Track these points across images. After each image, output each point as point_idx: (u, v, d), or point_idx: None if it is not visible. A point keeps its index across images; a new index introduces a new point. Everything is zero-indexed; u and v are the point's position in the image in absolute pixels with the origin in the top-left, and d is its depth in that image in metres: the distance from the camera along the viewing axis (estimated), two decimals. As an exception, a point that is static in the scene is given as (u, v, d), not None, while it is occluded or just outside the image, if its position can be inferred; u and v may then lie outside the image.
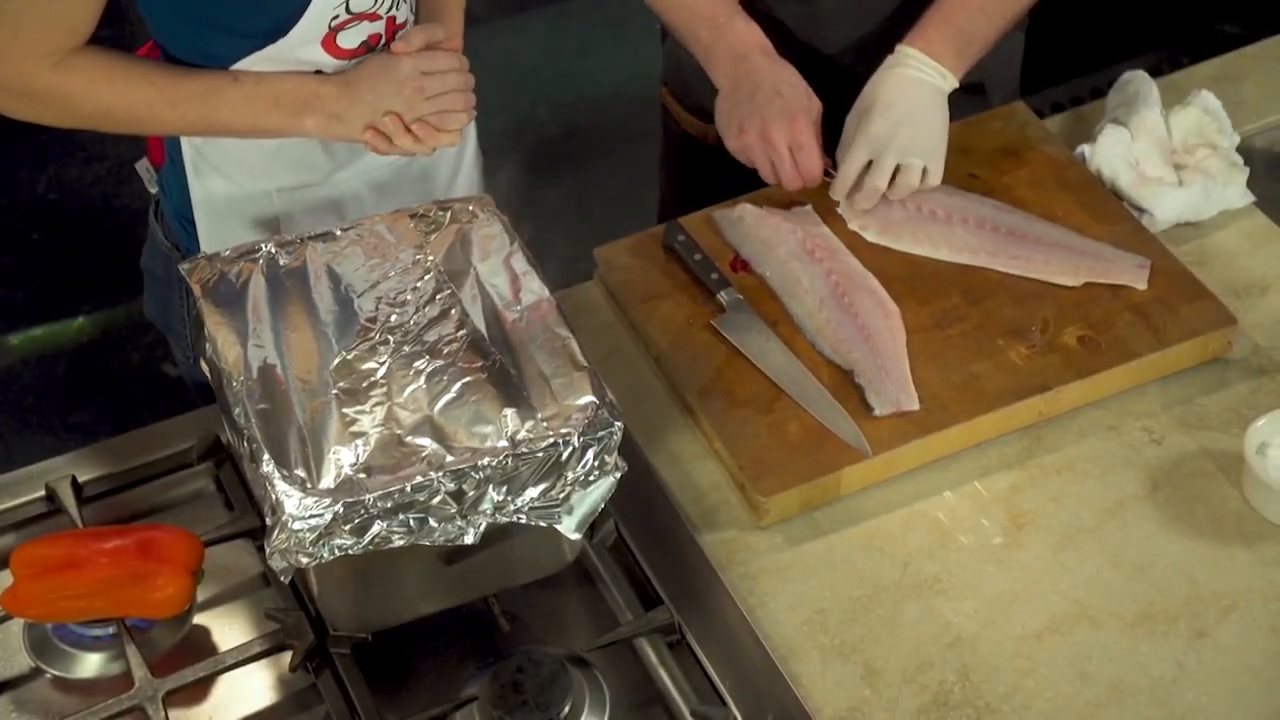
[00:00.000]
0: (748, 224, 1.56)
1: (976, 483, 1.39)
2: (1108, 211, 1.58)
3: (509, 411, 1.19)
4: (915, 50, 1.55)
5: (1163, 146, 1.60)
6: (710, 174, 1.67)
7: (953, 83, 1.55)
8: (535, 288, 1.28)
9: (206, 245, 1.50)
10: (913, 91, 1.53)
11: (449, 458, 1.16)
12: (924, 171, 1.53)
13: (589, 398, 1.19)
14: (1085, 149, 1.59)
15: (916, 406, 1.39)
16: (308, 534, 1.12)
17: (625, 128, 2.73)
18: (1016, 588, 1.32)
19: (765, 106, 1.51)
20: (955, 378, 1.42)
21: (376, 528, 1.14)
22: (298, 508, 1.12)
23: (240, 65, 1.39)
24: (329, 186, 1.51)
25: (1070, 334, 1.46)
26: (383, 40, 1.44)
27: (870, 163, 1.53)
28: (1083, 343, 1.45)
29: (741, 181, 1.60)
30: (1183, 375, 1.47)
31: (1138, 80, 1.65)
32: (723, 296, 1.48)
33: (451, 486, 1.15)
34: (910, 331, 1.46)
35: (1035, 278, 1.49)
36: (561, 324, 1.25)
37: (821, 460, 1.37)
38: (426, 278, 1.27)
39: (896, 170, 1.53)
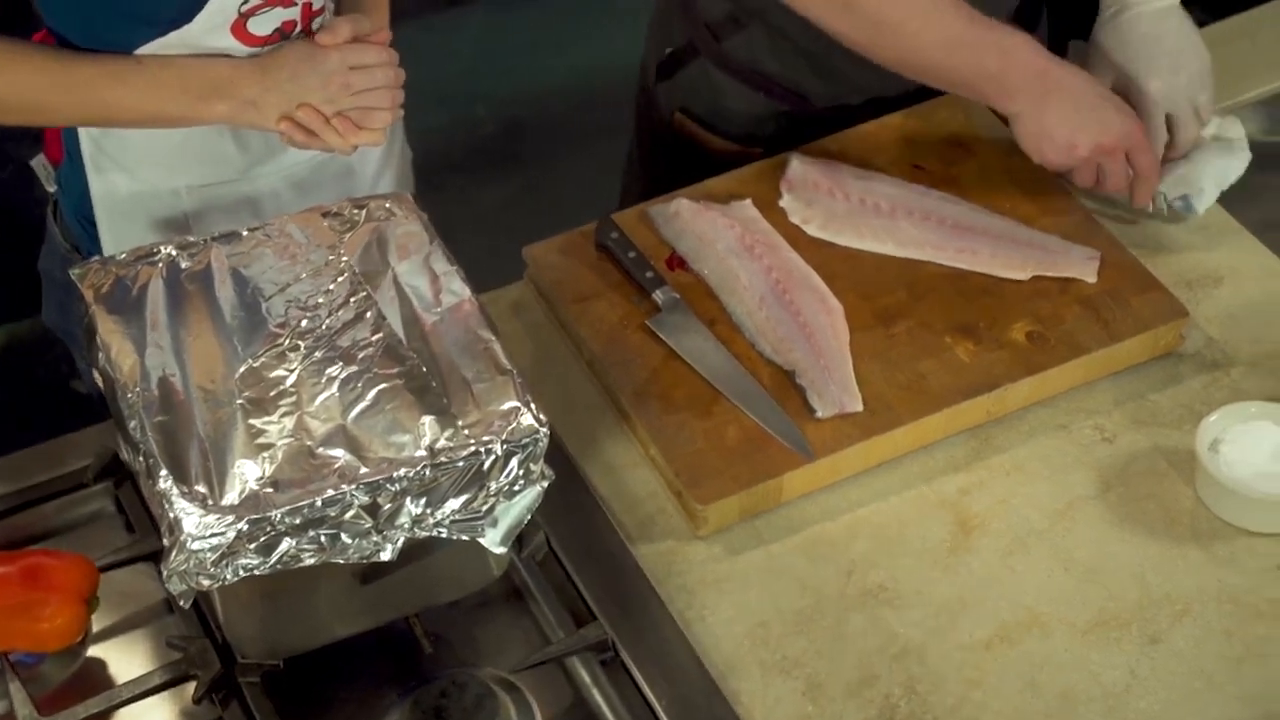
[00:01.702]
0: (684, 219, 1.54)
1: (923, 486, 1.38)
2: (1056, 203, 1.57)
3: (427, 419, 1.16)
4: None
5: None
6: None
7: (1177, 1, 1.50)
8: (456, 289, 1.25)
9: (109, 247, 1.46)
10: (1156, 27, 1.48)
11: (363, 469, 1.13)
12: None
13: (512, 403, 1.17)
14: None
15: (860, 408, 1.38)
16: (209, 554, 1.09)
17: (568, 125, 2.71)
18: (965, 594, 1.31)
19: (1093, 119, 1.46)
20: (900, 377, 1.41)
21: (285, 546, 1.12)
22: (197, 526, 1.08)
23: (141, 53, 1.35)
24: (244, 183, 1.47)
25: (1018, 330, 1.45)
26: (298, 27, 1.41)
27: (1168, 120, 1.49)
28: (1031, 339, 1.45)
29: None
30: (1134, 371, 1.47)
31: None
32: (658, 295, 1.46)
33: (366, 500, 1.13)
34: (853, 329, 1.44)
35: (982, 271, 1.48)
36: (484, 326, 1.23)
37: (762, 465, 1.35)
38: (340, 279, 1.25)
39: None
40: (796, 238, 1.52)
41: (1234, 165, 1.56)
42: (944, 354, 1.43)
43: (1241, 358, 1.48)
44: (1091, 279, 1.46)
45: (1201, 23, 1.62)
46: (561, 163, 2.60)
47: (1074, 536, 1.35)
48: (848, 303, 1.46)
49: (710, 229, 1.52)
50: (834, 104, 1.66)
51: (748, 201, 1.56)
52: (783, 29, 1.62)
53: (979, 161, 1.60)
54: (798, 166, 1.57)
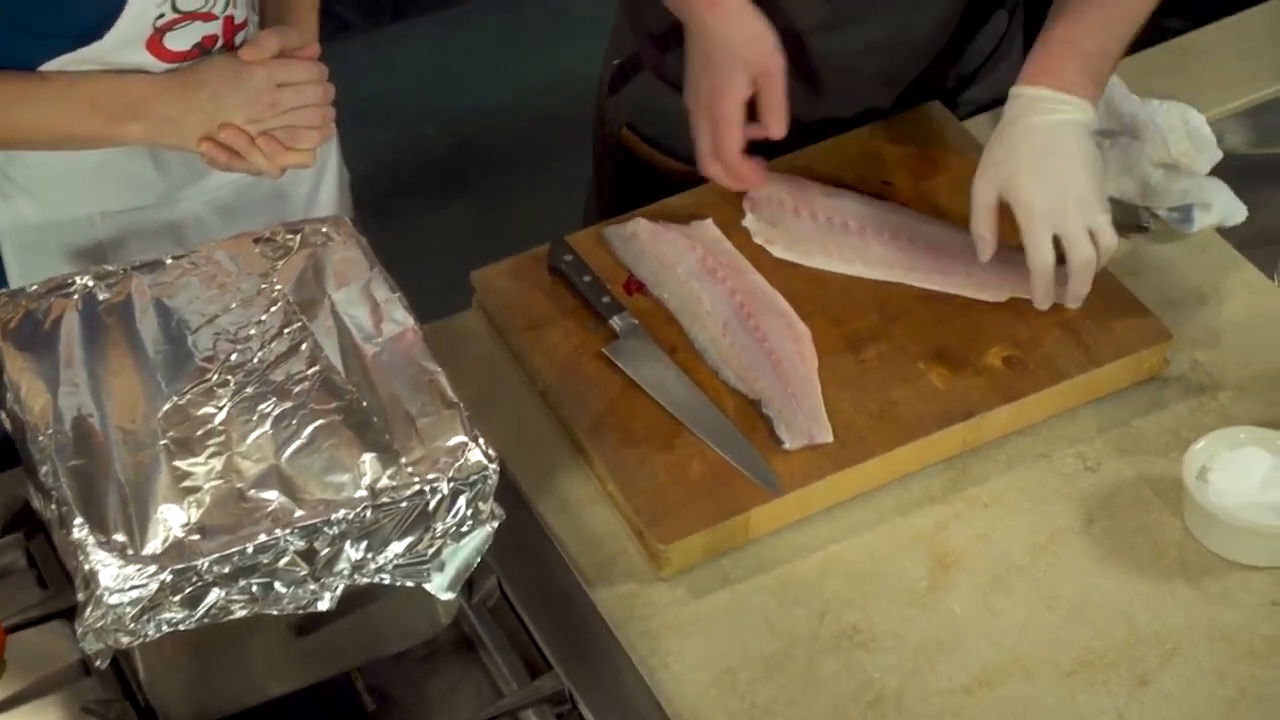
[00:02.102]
0: (642, 241, 1.51)
1: (898, 520, 1.36)
2: None
3: (368, 457, 1.13)
4: (1043, 89, 1.41)
5: (1162, 140, 1.58)
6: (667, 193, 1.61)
7: (1092, 115, 1.42)
8: (399, 317, 1.22)
9: (16, 279, 1.42)
10: (1058, 139, 1.40)
11: (298, 512, 1.10)
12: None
13: (459, 437, 1.14)
14: None
15: (830, 438, 1.36)
16: (129, 609, 1.05)
17: (522, 144, 2.69)
18: (943, 636, 1.29)
19: (716, 64, 1.42)
20: (872, 405, 1.39)
21: (213, 597, 1.07)
22: (116, 578, 1.04)
23: (47, 70, 1.31)
24: (164, 209, 1.43)
25: (995, 354, 1.43)
26: (220, 42, 1.36)
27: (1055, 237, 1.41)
28: (1008, 363, 1.42)
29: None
30: (1117, 396, 1.45)
31: None
32: (615, 322, 1.44)
33: (301, 545, 1.09)
34: (822, 355, 1.42)
35: (956, 293, 1.46)
36: (429, 357, 1.20)
37: (727, 501, 1.33)
38: (273, 309, 1.22)
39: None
40: (761, 259, 1.51)
41: (1239, 209, 1.56)
42: (917, 380, 1.41)
43: (1229, 381, 1.46)
44: (1071, 303, 1.43)
45: (1180, 30, 1.60)
46: (515, 184, 2.59)
47: (1057, 572, 1.33)
48: (816, 327, 1.45)
49: (670, 251, 1.50)
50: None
51: (709, 221, 1.54)
52: None
53: (950, 176, 1.58)
54: (768, 185, 1.55)
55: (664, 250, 1.50)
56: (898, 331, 1.44)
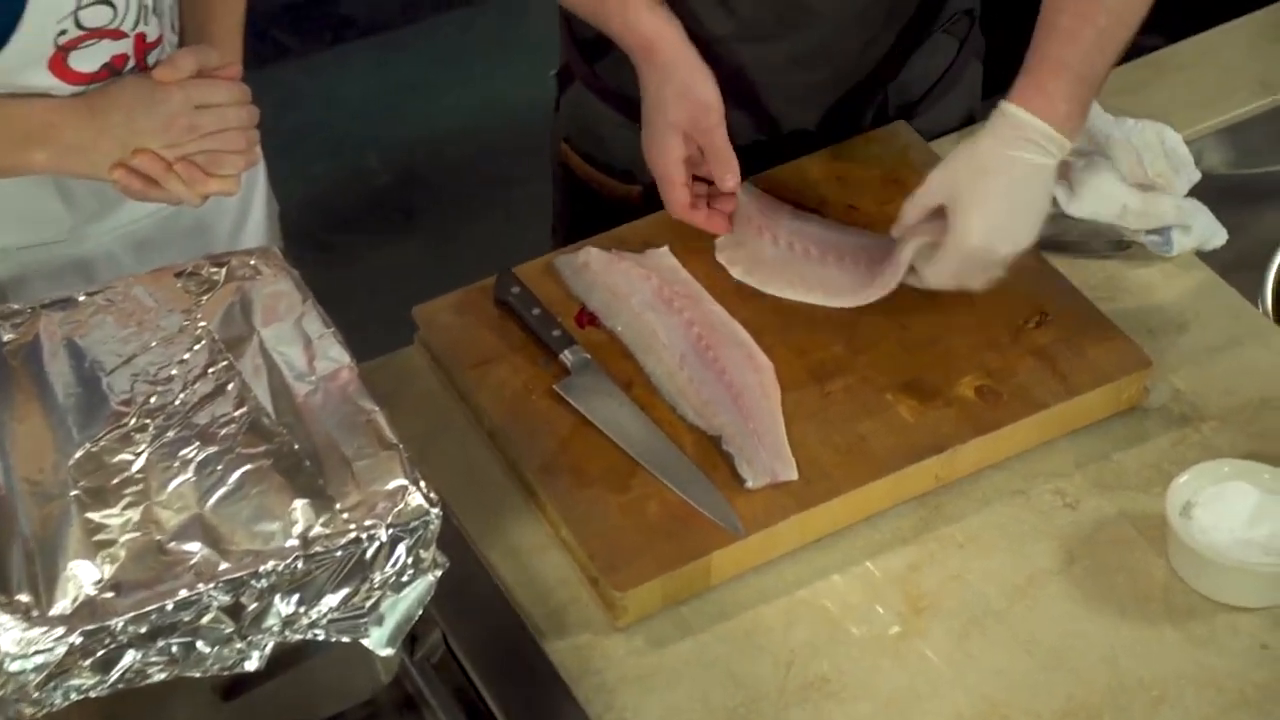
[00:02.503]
0: (594, 270, 1.50)
1: (868, 563, 1.35)
2: None
3: (300, 503, 1.09)
4: (1034, 117, 1.36)
5: (1138, 160, 1.57)
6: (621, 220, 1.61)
7: (1067, 147, 1.39)
8: (334, 354, 1.19)
9: None
10: (1020, 178, 1.37)
11: (223, 565, 1.05)
12: None
13: (399, 481, 1.11)
14: (1055, 193, 1.49)
15: (795, 476, 1.35)
16: (33, 675, 0.99)
17: (470, 175, 2.67)
18: (917, 684, 1.26)
19: (651, 120, 1.43)
20: (839, 440, 1.37)
21: (129, 660, 1.03)
22: (19, 643, 0.99)
23: None
24: (72, 245, 1.39)
25: (966, 384, 1.42)
26: (130, 62, 1.32)
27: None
28: (981, 394, 1.41)
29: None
30: (1096, 428, 1.44)
31: None
32: (567, 356, 1.43)
33: (227, 600, 1.05)
34: (785, 388, 1.41)
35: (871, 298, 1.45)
36: (366, 396, 1.17)
37: (687, 544, 1.31)
38: (197, 348, 1.18)
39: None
40: (721, 288, 1.50)
41: (1219, 231, 1.56)
42: (886, 413, 1.40)
43: (1212, 411, 1.45)
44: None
45: (1155, 46, 1.58)
46: (465, 216, 2.58)
47: (1036, 616, 1.31)
48: (778, 358, 1.44)
49: (624, 281, 1.49)
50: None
51: (665, 249, 1.52)
52: None
53: None
54: (742, 199, 1.54)
55: (617, 280, 1.49)
56: (864, 362, 1.43)
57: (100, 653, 1.01)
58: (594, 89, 1.65)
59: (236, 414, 1.14)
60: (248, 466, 1.11)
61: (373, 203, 2.71)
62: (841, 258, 1.49)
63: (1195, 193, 1.58)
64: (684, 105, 1.44)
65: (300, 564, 1.06)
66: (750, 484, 1.33)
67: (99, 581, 1.03)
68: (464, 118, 2.74)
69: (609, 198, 1.55)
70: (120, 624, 1.01)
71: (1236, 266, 1.57)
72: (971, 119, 1.70)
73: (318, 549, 1.07)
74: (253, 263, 1.24)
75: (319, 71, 2.80)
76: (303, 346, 1.19)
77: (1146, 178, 1.57)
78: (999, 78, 1.59)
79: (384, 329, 1.48)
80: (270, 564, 1.05)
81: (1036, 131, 1.37)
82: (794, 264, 1.50)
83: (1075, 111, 1.38)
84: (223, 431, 1.13)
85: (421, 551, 1.10)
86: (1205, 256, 1.56)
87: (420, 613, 1.12)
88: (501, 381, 1.42)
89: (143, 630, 1.02)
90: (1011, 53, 1.43)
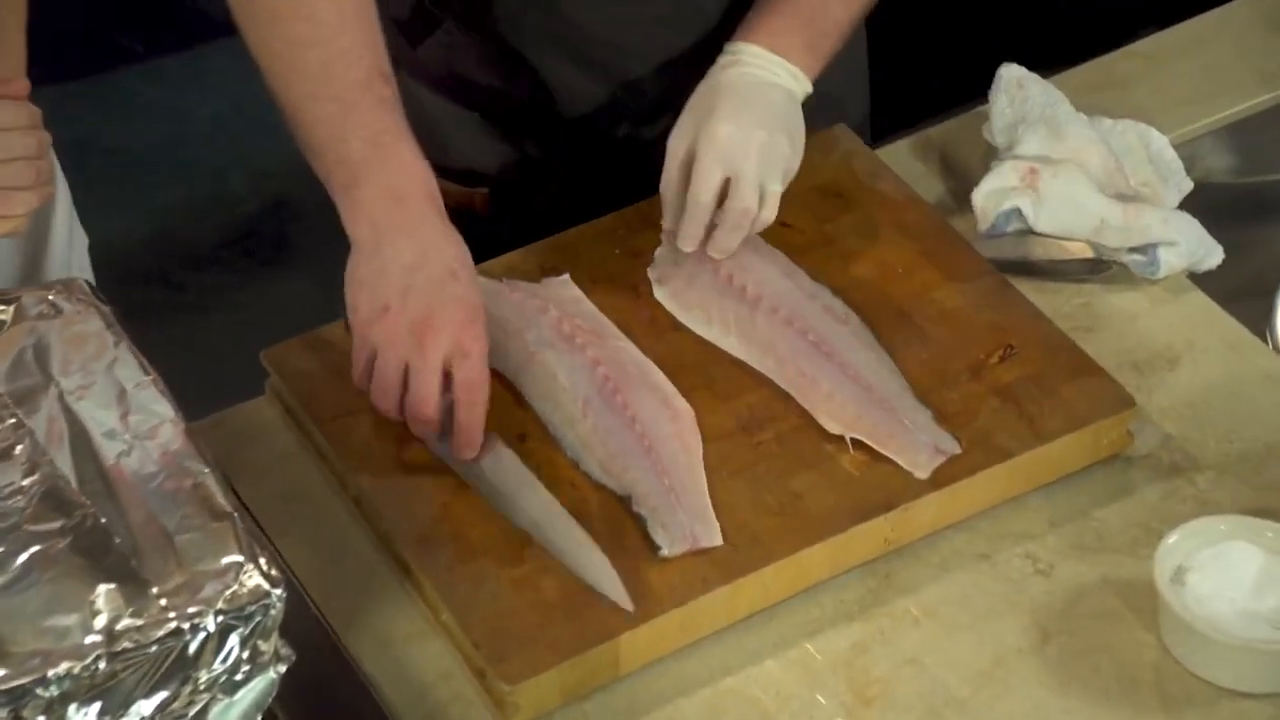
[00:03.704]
0: None
1: (807, 644, 1.34)
2: (962, 264, 1.55)
3: (104, 589, 1.06)
4: (758, 47, 1.51)
5: (1117, 167, 1.61)
6: (487, 253, 1.60)
7: (806, 86, 1.53)
8: (155, 407, 1.17)
9: None
10: (762, 95, 1.50)
11: (2, 670, 1.01)
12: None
13: (233, 557, 1.09)
14: (1021, 206, 1.55)
15: (719, 541, 1.35)
16: None
17: None
18: None
19: (432, 290, 1.35)
20: (770, 499, 1.38)
21: None
22: None
23: None
24: None
25: None
26: None
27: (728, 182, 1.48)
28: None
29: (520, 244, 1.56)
30: (1072, 481, 1.44)
31: (1030, 82, 1.63)
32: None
33: (3, 715, 1.01)
34: (708, 439, 1.42)
35: (804, 406, 1.43)
36: (194, 456, 1.15)
37: (590, 627, 1.30)
38: None
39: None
40: (633, 321, 1.51)
41: (1214, 249, 1.56)
42: (825, 465, 1.40)
43: (1208, 460, 1.46)
44: (920, 473, 1.38)
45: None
46: (347, 249, 2.53)
47: (1007, 705, 1.31)
48: (700, 404, 1.44)
49: (516, 315, 1.49)
50: (579, 123, 1.64)
51: (565, 277, 1.53)
52: (484, 18, 1.60)
53: (862, 215, 1.60)
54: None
55: (508, 314, 1.48)
56: (800, 407, 1.44)
57: None
58: (421, 78, 1.65)
59: (25, 483, 1.11)
60: (37, 547, 1.07)
61: (236, 235, 2.68)
62: (775, 309, 1.49)
63: (1187, 205, 1.58)
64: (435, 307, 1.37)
65: (103, 664, 1.03)
66: (666, 551, 1.33)
67: None
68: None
69: (452, 206, 1.52)
70: None
71: (1238, 292, 1.57)
72: (860, 90, 1.75)
73: (126, 645, 1.04)
74: (51, 298, 1.21)
75: (169, 81, 2.77)
76: (115, 398, 1.17)
77: (1128, 187, 1.58)
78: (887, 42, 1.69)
79: (249, 385, 1.46)
80: (63, 666, 1.02)
81: (765, 60, 1.50)
82: (724, 300, 1.51)
83: (802, 46, 1.52)
84: (7, 505, 1.09)
85: (260, 643, 1.08)
86: (1199, 280, 1.57)
87: (259, 719, 1.09)
88: (368, 437, 1.41)
89: (-100, 753, 0.99)
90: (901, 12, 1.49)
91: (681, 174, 1.49)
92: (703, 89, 1.52)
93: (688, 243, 1.49)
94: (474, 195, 1.66)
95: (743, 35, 1.53)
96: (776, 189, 1.49)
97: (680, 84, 1.54)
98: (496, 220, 1.60)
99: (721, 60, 1.53)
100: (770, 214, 1.49)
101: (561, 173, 1.65)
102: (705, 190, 1.46)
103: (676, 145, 1.49)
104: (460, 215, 1.57)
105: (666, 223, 1.51)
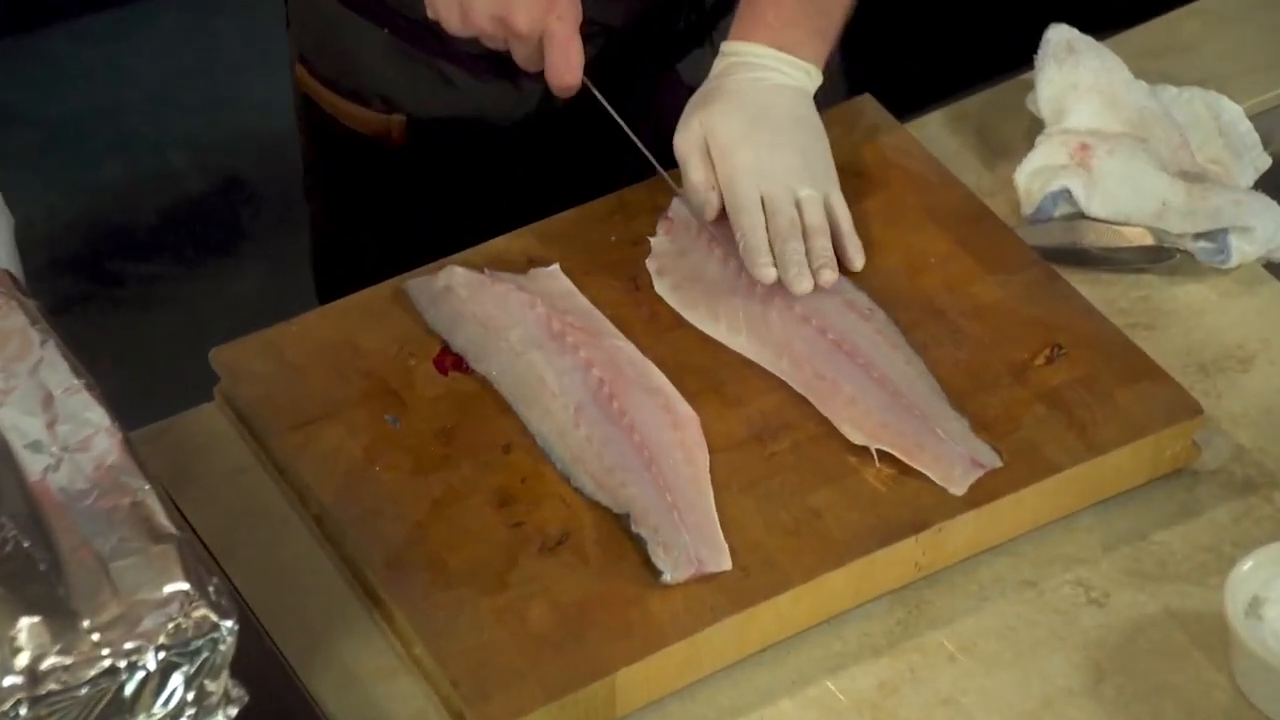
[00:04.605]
0: (460, 297, 1.50)
1: (828, 682, 1.33)
2: (1004, 253, 1.55)
3: (26, 623, 1.05)
4: (761, 46, 1.53)
5: (1183, 141, 1.61)
6: (400, 194, 1.64)
7: (818, 78, 1.54)
8: (88, 415, 1.16)
9: None
10: (775, 101, 1.52)
11: None
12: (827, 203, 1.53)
13: (177, 585, 1.08)
14: (1071, 187, 1.57)
15: (728, 565, 1.34)
16: None
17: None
18: None
19: None
20: (786, 517, 1.37)
21: None
22: None
23: None
24: None
25: None
26: None
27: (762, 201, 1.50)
28: None
29: (469, 207, 1.57)
30: (1130, 498, 1.43)
31: (1082, 45, 1.64)
32: None
33: None
34: (715, 450, 1.41)
35: (823, 413, 1.45)
36: (133, 471, 1.14)
37: (583, 661, 1.29)
38: None
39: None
40: (632, 318, 1.50)
41: None
42: (847, 480, 1.39)
43: None
44: (955, 489, 1.39)
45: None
46: (294, 231, 2.59)
47: None
48: (707, 409, 1.44)
49: (500, 310, 1.49)
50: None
51: (555, 267, 1.53)
52: None
53: (888, 197, 1.59)
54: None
55: (491, 310, 1.49)
56: (818, 414, 1.43)
57: None
58: None
59: (-68, 505, 1.09)
60: (-54, 576, 1.06)
61: (181, 219, 2.68)
62: (791, 305, 1.49)
63: (1263, 184, 1.58)
64: None
65: (24, 710, 1.02)
66: (668, 577, 1.32)
67: None
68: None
69: (366, 136, 1.53)
70: None
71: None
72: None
73: (52, 687, 1.03)
74: (-34, 290, 1.20)
75: (104, 40, 2.76)
76: (40, 404, 1.16)
77: (1195, 164, 1.58)
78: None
79: (195, 389, 1.45)
80: (-22, 713, 1.00)
81: (767, 60, 1.52)
82: (732, 294, 1.51)
83: (809, 38, 1.53)
84: (-89, 529, 1.08)
85: (208, 682, 1.07)
86: (1276, 270, 1.57)
87: (208, 770, 1.08)
88: (333, 448, 1.41)
89: None
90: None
91: (702, 159, 1.51)
92: (705, 98, 1.52)
93: (765, 272, 1.49)
94: (390, 122, 1.67)
95: (740, 33, 1.54)
96: (813, 195, 1.50)
97: (625, 16, 1.56)
98: (412, 153, 1.60)
99: (719, 65, 1.54)
100: (817, 217, 1.50)
101: (492, 104, 1.64)
102: (749, 211, 1.48)
103: (697, 180, 1.51)
104: (375, 147, 1.63)
105: (705, 211, 1.51)
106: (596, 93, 1.52)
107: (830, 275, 1.48)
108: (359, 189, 1.52)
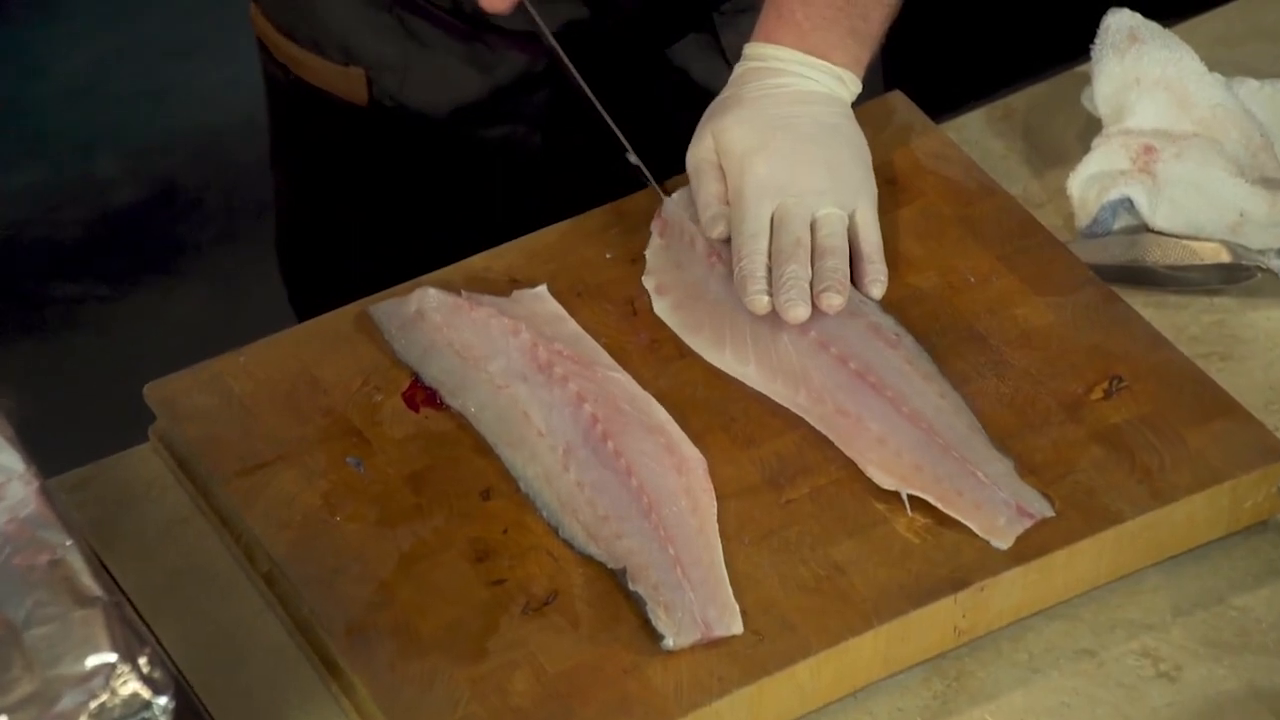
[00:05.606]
0: (433, 324, 1.50)
1: None
2: (1055, 271, 1.55)
3: None
4: (786, 49, 1.53)
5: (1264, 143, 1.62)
6: (367, 167, 1.64)
7: (855, 86, 1.56)
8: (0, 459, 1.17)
9: None
10: (799, 109, 1.53)
11: None
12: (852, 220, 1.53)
13: (102, 656, 1.08)
14: (1133, 195, 1.58)
15: (739, 629, 1.33)
16: None
17: (255, 185, 2.59)
18: None
19: None
20: (805, 573, 1.36)
21: None
22: None
23: None
24: None
25: None
26: None
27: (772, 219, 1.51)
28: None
29: (442, 186, 1.60)
30: (1204, 555, 1.42)
31: (1147, 33, 1.64)
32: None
33: None
34: (725, 496, 1.41)
35: (847, 454, 1.45)
36: (52, 524, 1.14)
37: None
38: None
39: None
40: (629, 345, 1.51)
41: None
42: (875, 531, 1.39)
43: None
44: (999, 542, 1.39)
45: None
46: (258, 250, 2.50)
47: None
48: (714, 451, 1.43)
49: (479, 338, 1.49)
50: None
51: (542, 288, 1.54)
52: None
53: (922, 206, 1.59)
54: (685, 196, 1.58)
55: (469, 337, 1.49)
56: (841, 456, 1.42)
57: None
58: None
59: None
60: None
61: (108, 232, 2.66)
62: (805, 330, 1.49)
63: None
64: None
65: None
66: (671, 642, 1.31)
67: None
68: (251, 99, 2.59)
69: (328, 96, 1.52)
70: None
71: None
72: None
73: None
74: None
75: (15, 26, 2.74)
76: None
77: (1278, 170, 1.58)
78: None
79: (126, 429, 1.45)
80: None
81: (793, 64, 1.53)
82: (739, 315, 1.50)
83: (842, 40, 1.53)
84: None
85: None
86: None
87: None
88: (287, 496, 1.40)
89: None
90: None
91: (714, 175, 1.52)
92: (720, 107, 1.53)
93: (759, 303, 1.50)
94: (347, 75, 1.68)
95: (764, 34, 1.55)
96: (835, 212, 1.50)
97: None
98: (376, 115, 1.60)
99: (739, 70, 1.55)
100: (835, 239, 1.50)
101: (459, 67, 1.65)
102: (756, 228, 1.48)
103: (705, 196, 1.52)
104: (339, 108, 1.64)
105: (712, 230, 1.52)
106: (564, 57, 1.50)
107: (834, 300, 1.47)
108: (324, 157, 1.54)
